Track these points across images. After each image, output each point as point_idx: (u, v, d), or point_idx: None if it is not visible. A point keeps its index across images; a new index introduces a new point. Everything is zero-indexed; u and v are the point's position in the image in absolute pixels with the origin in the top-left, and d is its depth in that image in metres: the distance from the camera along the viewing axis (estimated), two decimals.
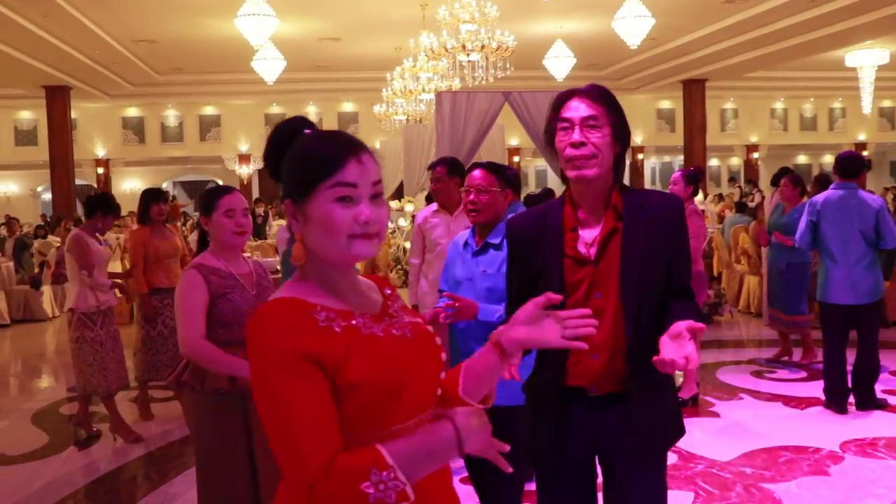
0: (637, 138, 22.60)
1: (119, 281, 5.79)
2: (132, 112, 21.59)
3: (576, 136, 2.07)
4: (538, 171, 27.80)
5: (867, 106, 18.22)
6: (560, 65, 14.71)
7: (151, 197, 5.95)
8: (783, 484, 4.28)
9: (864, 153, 22.29)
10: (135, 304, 6.03)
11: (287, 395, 1.30)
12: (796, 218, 6.64)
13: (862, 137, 24.92)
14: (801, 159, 28.72)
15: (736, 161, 27.07)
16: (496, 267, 3.13)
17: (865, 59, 17.00)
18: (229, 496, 2.92)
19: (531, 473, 2.82)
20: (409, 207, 13.21)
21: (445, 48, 10.68)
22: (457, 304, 2.96)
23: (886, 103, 24.82)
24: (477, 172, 3.29)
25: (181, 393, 3.06)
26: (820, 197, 5.65)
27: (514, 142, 19.96)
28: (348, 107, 22.20)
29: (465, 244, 3.32)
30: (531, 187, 22.61)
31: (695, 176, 5.89)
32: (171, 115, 21.79)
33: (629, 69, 18.83)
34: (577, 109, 2.09)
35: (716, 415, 5.64)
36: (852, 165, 5.63)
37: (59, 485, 4.73)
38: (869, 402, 5.61)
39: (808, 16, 13.38)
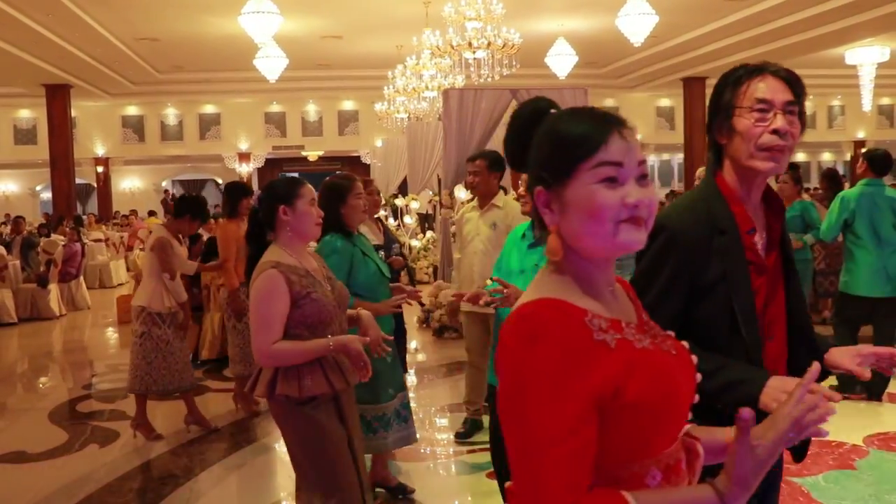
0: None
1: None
2: (132, 111, 21.58)
3: (781, 122, 1.81)
4: None
5: (867, 103, 18.26)
6: (562, 62, 14.72)
7: (241, 191, 5.88)
8: (810, 478, 4.29)
9: (863, 150, 22.36)
10: (222, 299, 5.91)
11: (542, 422, 1.13)
12: (795, 215, 6.67)
13: (861, 135, 25.03)
14: (800, 157, 28.76)
15: None
16: None
17: (866, 56, 17.04)
18: (349, 486, 2.83)
19: None
20: (414, 205, 13.22)
21: (451, 45, 10.68)
22: (505, 291, 2.92)
23: (885, 101, 24.92)
24: None
25: (275, 405, 2.85)
26: (852, 193, 5.75)
27: None
28: (348, 105, 22.18)
29: (523, 235, 3.27)
30: None
31: None
32: (171, 114, 21.76)
33: (629, 67, 18.85)
34: (776, 91, 1.83)
35: None
36: (887, 163, 5.78)
37: (83, 482, 4.71)
38: (881, 392, 5.72)
39: (809, 13, 13.41)
